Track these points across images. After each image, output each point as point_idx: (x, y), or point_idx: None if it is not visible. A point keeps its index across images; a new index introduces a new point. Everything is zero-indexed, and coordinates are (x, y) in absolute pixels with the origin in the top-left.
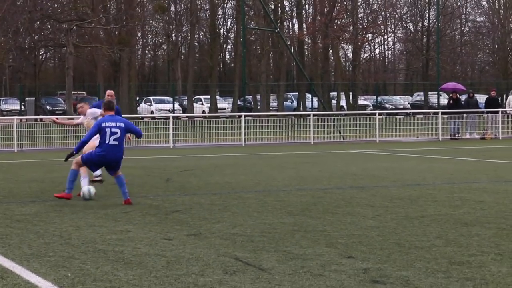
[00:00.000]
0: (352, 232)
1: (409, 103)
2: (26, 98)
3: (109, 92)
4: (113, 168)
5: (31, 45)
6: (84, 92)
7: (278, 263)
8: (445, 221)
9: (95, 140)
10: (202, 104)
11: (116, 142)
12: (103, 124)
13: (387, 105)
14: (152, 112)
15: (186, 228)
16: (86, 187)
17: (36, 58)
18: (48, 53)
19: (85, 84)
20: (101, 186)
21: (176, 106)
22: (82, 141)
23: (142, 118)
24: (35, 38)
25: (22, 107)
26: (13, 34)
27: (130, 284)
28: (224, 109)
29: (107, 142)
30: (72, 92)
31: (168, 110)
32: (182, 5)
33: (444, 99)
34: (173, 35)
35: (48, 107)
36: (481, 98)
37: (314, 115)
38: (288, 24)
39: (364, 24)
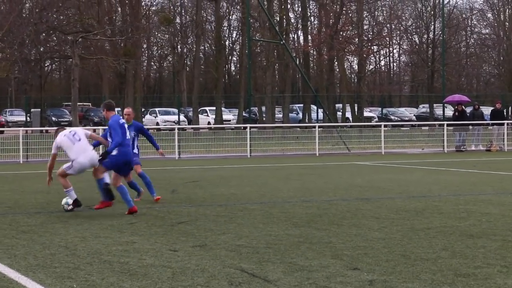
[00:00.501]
0: (358, 243)
1: (414, 115)
2: (32, 110)
3: (127, 110)
4: (129, 170)
5: (36, 57)
6: (90, 104)
7: (283, 275)
8: (451, 233)
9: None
10: (208, 115)
11: (129, 143)
12: (121, 121)
13: (392, 117)
14: (157, 124)
15: (191, 240)
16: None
17: (41, 70)
18: (54, 65)
19: (90, 95)
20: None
21: (182, 117)
22: (117, 141)
23: (148, 129)
24: (41, 49)
25: (28, 118)
26: (19, 46)
27: None
28: (230, 120)
29: (125, 141)
30: (78, 103)
31: (174, 122)
32: (187, 17)
33: (449, 111)
34: (179, 46)
35: (53, 118)
36: (487, 110)
37: (319, 126)
38: (293, 36)
39: (370, 36)
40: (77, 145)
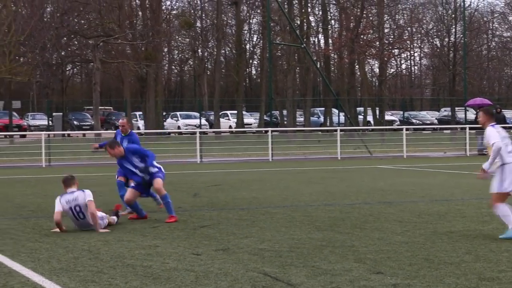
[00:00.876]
0: (381, 247)
1: (436, 119)
2: (54, 114)
3: (121, 122)
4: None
5: (58, 61)
6: (111, 108)
7: (306, 279)
8: (474, 236)
9: None
10: (229, 119)
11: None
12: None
13: (414, 121)
14: (179, 128)
15: (214, 243)
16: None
17: (63, 74)
18: (75, 69)
19: (111, 99)
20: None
21: (203, 121)
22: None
23: (169, 133)
24: (62, 54)
25: (50, 122)
26: (41, 50)
27: None
28: (251, 124)
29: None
30: (99, 107)
31: (195, 126)
32: (208, 21)
33: (471, 114)
34: (199, 50)
35: (75, 122)
36: (509, 113)
37: (341, 130)
38: (314, 39)
39: (390, 39)
40: (81, 222)
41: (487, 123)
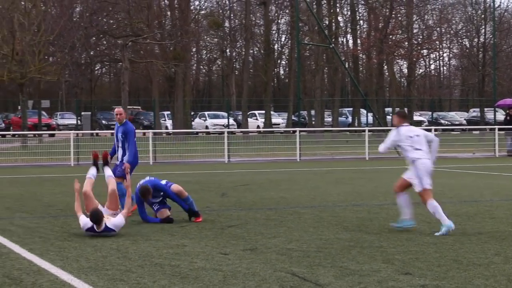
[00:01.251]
0: (409, 248)
1: (465, 119)
2: (82, 113)
3: (117, 110)
4: None
5: (87, 61)
6: (140, 107)
7: (335, 279)
8: (503, 238)
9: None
10: (257, 119)
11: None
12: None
13: (442, 121)
14: (207, 127)
15: (242, 243)
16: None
17: (92, 73)
18: (104, 68)
19: (140, 99)
20: None
21: (231, 121)
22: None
23: (197, 133)
24: (91, 53)
25: (79, 121)
26: (70, 50)
27: None
28: (279, 124)
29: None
30: (128, 107)
31: (223, 125)
32: (236, 20)
33: (500, 115)
34: (228, 50)
35: (103, 121)
36: None
37: (369, 130)
38: (342, 39)
39: (419, 39)
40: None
41: (399, 124)
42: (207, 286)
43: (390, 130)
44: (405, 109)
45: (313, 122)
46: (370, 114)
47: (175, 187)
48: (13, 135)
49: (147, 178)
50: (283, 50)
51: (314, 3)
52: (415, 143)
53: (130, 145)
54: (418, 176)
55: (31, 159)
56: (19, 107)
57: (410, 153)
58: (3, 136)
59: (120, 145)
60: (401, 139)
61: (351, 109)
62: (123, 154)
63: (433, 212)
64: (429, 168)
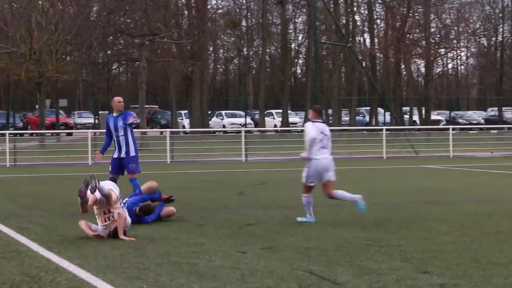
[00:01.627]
0: (427, 247)
1: (483, 118)
2: (100, 112)
3: (119, 98)
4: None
5: (104, 60)
6: (157, 106)
7: (352, 277)
8: None
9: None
10: (274, 118)
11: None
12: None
13: (460, 120)
14: (224, 126)
15: (260, 241)
16: None
17: (109, 73)
18: (121, 68)
19: (157, 98)
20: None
21: (248, 120)
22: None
23: (214, 132)
24: (108, 53)
25: (96, 120)
26: (87, 49)
27: None
28: (296, 123)
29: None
30: (145, 106)
31: (240, 124)
32: (253, 20)
33: None
34: (245, 49)
35: None
36: None
37: (386, 129)
38: (359, 38)
39: (437, 38)
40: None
41: (314, 120)
42: (225, 285)
43: (407, 129)
44: (319, 106)
45: (330, 121)
46: (387, 113)
47: (146, 188)
48: (31, 134)
49: (129, 199)
50: (300, 49)
51: (331, 2)
52: (323, 141)
53: (131, 134)
54: (310, 173)
55: (49, 157)
56: (37, 106)
57: (314, 150)
58: (21, 135)
59: (121, 133)
60: (316, 134)
61: (368, 108)
62: (127, 145)
63: (304, 204)
64: (325, 168)
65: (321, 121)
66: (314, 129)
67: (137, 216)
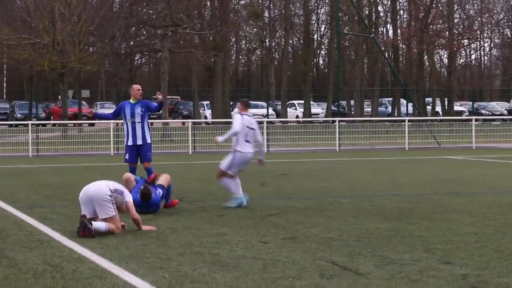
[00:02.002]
0: (450, 238)
1: (506, 109)
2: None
3: (138, 85)
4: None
5: (127, 51)
6: (179, 97)
7: (375, 268)
8: None
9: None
10: (296, 109)
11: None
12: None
13: (483, 111)
14: None
15: (281, 232)
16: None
17: (131, 63)
18: (144, 58)
19: (179, 88)
20: (197, 190)
21: (270, 111)
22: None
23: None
24: (131, 43)
25: None
26: (110, 40)
27: (227, 286)
28: (318, 114)
29: None
30: (167, 96)
31: (262, 115)
32: (276, 11)
33: None
34: (267, 40)
35: None
36: None
37: (409, 120)
38: (382, 29)
39: (460, 29)
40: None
41: (242, 112)
42: (247, 274)
43: (430, 120)
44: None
45: (353, 112)
46: (410, 104)
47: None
48: (54, 125)
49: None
50: (323, 40)
51: None
52: (248, 135)
53: (148, 121)
54: (231, 163)
55: (71, 148)
56: (60, 97)
57: (239, 142)
58: (44, 125)
59: (138, 120)
60: (241, 128)
61: (390, 99)
62: (143, 132)
63: (228, 186)
64: (248, 161)
65: (249, 114)
66: (241, 123)
67: (145, 202)
